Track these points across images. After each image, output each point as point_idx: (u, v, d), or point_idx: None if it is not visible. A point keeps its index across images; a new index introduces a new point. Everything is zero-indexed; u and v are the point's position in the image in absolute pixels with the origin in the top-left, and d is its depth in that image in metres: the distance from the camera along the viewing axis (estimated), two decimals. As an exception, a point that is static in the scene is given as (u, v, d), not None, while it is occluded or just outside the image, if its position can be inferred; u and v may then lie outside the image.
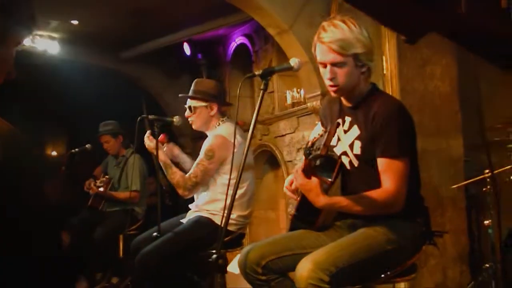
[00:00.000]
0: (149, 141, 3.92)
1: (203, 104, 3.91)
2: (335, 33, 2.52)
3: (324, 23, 2.58)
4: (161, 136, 3.97)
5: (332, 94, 2.68)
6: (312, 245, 2.67)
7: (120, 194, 5.76)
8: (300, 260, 2.44)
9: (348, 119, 2.68)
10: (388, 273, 2.57)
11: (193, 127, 4.00)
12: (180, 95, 4.15)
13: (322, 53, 2.57)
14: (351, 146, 2.63)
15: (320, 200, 2.48)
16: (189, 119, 3.97)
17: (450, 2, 0.79)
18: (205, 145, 3.84)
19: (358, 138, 2.61)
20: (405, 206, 2.51)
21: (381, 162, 2.51)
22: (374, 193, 2.50)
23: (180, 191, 3.82)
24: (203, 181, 3.82)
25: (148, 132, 3.97)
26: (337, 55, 2.53)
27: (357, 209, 2.50)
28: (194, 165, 3.82)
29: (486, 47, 0.92)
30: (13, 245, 1.21)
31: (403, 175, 2.50)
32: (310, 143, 2.52)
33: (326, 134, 2.39)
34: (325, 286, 2.32)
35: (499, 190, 4.13)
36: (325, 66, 2.59)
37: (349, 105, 2.69)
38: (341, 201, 2.52)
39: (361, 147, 2.58)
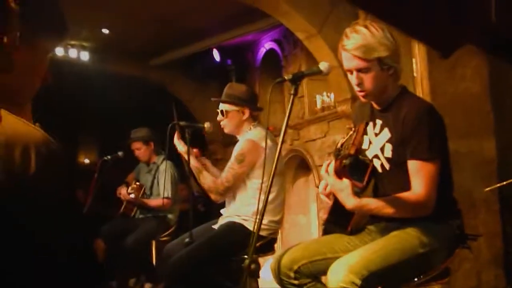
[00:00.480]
0: (181, 146, 3.95)
1: (236, 108, 3.93)
2: (357, 39, 2.52)
3: (347, 30, 2.58)
4: (195, 151, 3.99)
5: (361, 99, 2.67)
6: (344, 249, 2.67)
7: (152, 202, 5.80)
8: (333, 263, 2.44)
9: (379, 122, 2.67)
10: (421, 276, 2.55)
11: (225, 131, 4.02)
12: (212, 98, 4.17)
13: (346, 60, 2.58)
14: (382, 149, 2.63)
15: (351, 201, 2.47)
16: (221, 123, 3.99)
17: (481, 12, 0.79)
18: (236, 149, 3.87)
19: (389, 141, 2.60)
20: (437, 209, 2.49)
21: (411, 164, 2.50)
22: (404, 196, 2.49)
23: (212, 196, 3.85)
24: (234, 186, 3.84)
25: (176, 134, 3.98)
26: (360, 61, 2.53)
27: (387, 211, 2.49)
28: (226, 169, 3.84)
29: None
30: (41, 253, 1.23)
31: (433, 178, 2.48)
32: (339, 144, 2.51)
33: (355, 133, 2.38)
34: None
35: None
36: (351, 72, 2.59)
37: (379, 108, 2.69)
38: (371, 203, 2.51)
39: (392, 150, 2.58)
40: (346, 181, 2.47)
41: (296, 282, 2.62)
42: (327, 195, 2.73)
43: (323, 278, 2.62)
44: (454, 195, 2.72)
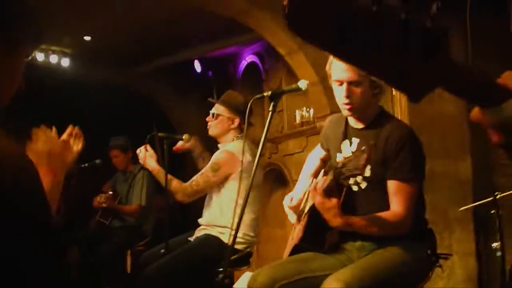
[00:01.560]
0: (151, 162, 3.95)
1: (228, 114, 3.94)
2: None
3: None
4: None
5: (346, 113, 2.66)
6: (320, 268, 2.66)
7: (125, 208, 5.78)
8: (324, 281, 2.43)
9: (355, 140, 2.68)
10: None
11: (210, 132, 4.00)
12: (209, 99, 4.17)
13: (340, 71, 2.56)
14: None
15: (337, 220, 2.44)
16: (208, 124, 3.99)
17: (450, 58, 0.81)
18: (213, 158, 3.87)
19: (366, 161, 2.62)
20: (412, 229, 2.52)
21: (392, 184, 2.52)
22: (384, 215, 2.51)
23: (178, 197, 3.85)
24: (203, 192, 3.86)
25: (144, 152, 3.98)
26: (354, 74, 2.53)
27: (370, 230, 2.51)
28: (199, 174, 3.84)
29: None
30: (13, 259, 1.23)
31: (412, 198, 2.51)
32: (340, 164, 2.48)
33: (363, 154, 2.33)
34: None
35: (506, 213, 4.12)
36: (341, 84, 2.58)
37: (358, 126, 2.70)
38: (357, 222, 2.50)
39: (371, 169, 2.59)
40: (334, 201, 2.43)
41: None
42: (293, 208, 2.75)
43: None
44: (428, 215, 2.76)
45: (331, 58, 2.60)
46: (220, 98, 4.04)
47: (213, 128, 3.98)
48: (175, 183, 3.83)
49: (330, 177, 2.43)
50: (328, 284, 2.40)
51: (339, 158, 2.73)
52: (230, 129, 3.96)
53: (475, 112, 0.97)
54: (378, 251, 2.60)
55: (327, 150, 2.96)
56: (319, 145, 3.07)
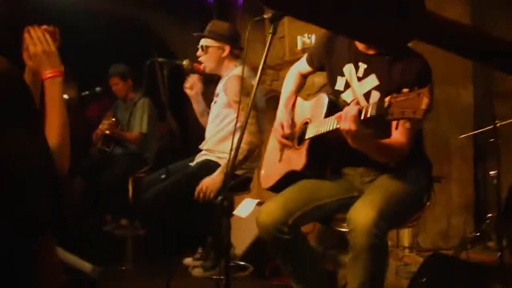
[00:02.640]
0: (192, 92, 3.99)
1: (216, 44, 3.90)
2: None
3: None
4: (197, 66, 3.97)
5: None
6: (327, 195, 2.69)
7: (127, 134, 5.78)
8: (354, 205, 2.44)
9: (363, 65, 2.62)
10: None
11: (206, 70, 3.96)
12: (194, 34, 4.10)
13: None
14: (367, 95, 2.60)
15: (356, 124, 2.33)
16: (200, 59, 3.95)
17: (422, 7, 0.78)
18: (233, 88, 3.78)
19: (376, 88, 2.57)
20: (410, 155, 2.52)
21: None
22: (395, 144, 2.50)
23: (254, 142, 3.72)
24: (258, 120, 3.78)
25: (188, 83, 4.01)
26: None
27: (375, 149, 2.48)
28: (240, 112, 3.66)
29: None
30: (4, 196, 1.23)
31: (415, 130, 2.50)
32: (387, 102, 2.37)
33: (423, 97, 2.17)
34: (382, 235, 2.36)
35: (505, 141, 4.13)
36: None
37: (368, 52, 2.62)
38: (374, 142, 2.47)
39: (380, 98, 2.55)
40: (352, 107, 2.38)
41: (288, 237, 2.57)
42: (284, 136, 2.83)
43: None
44: (428, 142, 2.78)
45: None
46: (205, 30, 3.97)
47: (207, 62, 3.93)
48: (243, 142, 3.58)
49: (370, 107, 2.31)
50: (360, 210, 2.39)
51: (340, 82, 2.69)
52: (223, 58, 3.92)
53: None
54: (386, 176, 2.61)
55: (317, 68, 2.90)
56: (303, 59, 3.00)
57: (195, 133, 4.24)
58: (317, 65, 2.88)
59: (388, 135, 2.51)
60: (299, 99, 2.97)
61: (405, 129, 2.46)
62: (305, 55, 3.01)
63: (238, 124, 3.25)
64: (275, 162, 2.97)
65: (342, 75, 2.69)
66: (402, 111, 2.09)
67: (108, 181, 5.55)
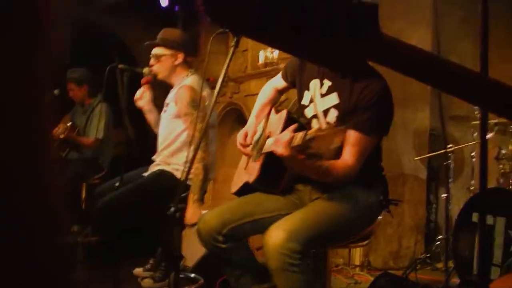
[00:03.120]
0: (143, 101, 3.96)
1: (168, 52, 3.85)
2: None
3: None
4: (145, 79, 3.94)
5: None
6: (272, 209, 2.68)
7: (83, 139, 5.72)
8: (268, 227, 2.43)
9: (327, 83, 2.63)
10: (350, 239, 2.64)
11: (158, 77, 3.92)
12: (146, 43, 4.06)
13: None
14: (326, 112, 2.62)
15: (299, 166, 2.40)
16: (153, 68, 3.91)
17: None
18: (183, 99, 3.73)
19: (336, 107, 2.58)
20: (364, 176, 2.53)
21: (351, 134, 2.47)
22: (338, 164, 2.49)
23: (206, 157, 3.61)
24: (206, 130, 3.67)
25: (139, 92, 3.96)
26: None
27: (314, 173, 2.49)
28: (188, 125, 3.69)
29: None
30: None
31: (366, 152, 2.50)
32: (309, 136, 2.37)
33: (337, 137, 2.22)
34: (296, 256, 2.34)
35: (458, 165, 4.22)
36: None
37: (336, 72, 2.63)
38: (314, 166, 2.46)
39: (337, 117, 2.57)
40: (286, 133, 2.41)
41: (223, 246, 2.60)
42: (245, 146, 2.80)
43: (251, 239, 2.65)
44: (383, 162, 2.78)
45: None
46: (157, 38, 3.94)
47: (159, 70, 3.89)
48: (197, 165, 3.57)
49: (298, 136, 2.33)
50: (271, 232, 2.40)
51: (306, 97, 2.70)
52: (175, 65, 3.87)
53: None
54: (326, 196, 2.61)
55: (290, 83, 2.92)
56: (279, 75, 3.01)
57: (153, 142, 4.21)
58: (290, 79, 2.89)
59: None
60: (272, 111, 2.97)
61: (353, 150, 2.48)
62: (281, 71, 3.02)
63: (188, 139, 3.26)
64: (242, 169, 3.01)
65: (308, 89, 2.71)
66: (318, 146, 2.11)
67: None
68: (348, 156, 2.48)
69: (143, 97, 4.03)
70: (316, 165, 2.45)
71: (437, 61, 0.91)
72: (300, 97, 2.77)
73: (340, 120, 2.55)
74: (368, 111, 2.48)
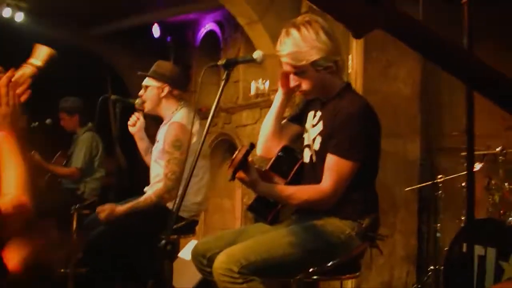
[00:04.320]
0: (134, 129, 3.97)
1: (156, 84, 3.85)
2: (288, 45, 2.52)
3: (282, 31, 2.58)
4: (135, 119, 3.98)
5: (303, 97, 2.72)
6: (250, 237, 2.67)
7: (59, 169, 5.73)
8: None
9: (319, 113, 2.68)
10: (310, 270, 2.52)
11: (146, 110, 3.93)
12: (139, 73, 4.07)
13: (282, 64, 2.60)
14: (314, 140, 2.64)
15: (258, 188, 2.48)
16: (142, 98, 3.92)
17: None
18: (168, 136, 3.74)
19: (320, 133, 2.61)
20: (349, 206, 2.53)
21: (329, 158, 2.50)
22: (310, 189, 2.52)
23: (167, 198, 3.69)
24: (181, 175, 3.63)
25: (132, 118, 3.97)
26: (292, 67, 2.55)
27: (291, 200, 2.52)
28: (166, 162, 3.71)
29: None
30: None
31: (344, 176, 2.48)
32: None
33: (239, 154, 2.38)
34: (235, 275, 2.37)
35: (449, 195, 4.24)
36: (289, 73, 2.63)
37: (323, 99, 2.68)
38: (277, 189, 2.51)
39: (320, 143, 2.60)
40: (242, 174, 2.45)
41: (208, 269, 2.60)
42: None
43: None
44: (374, 194, 2.74)
45: (279, 38, 2.59)
46: (150, 70, 3.97)
47: (146, 103, 3.89)
48: (154, 192, 3.72)
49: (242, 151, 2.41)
50: (218, 257, 2.45)
51: (308, 125, 2.75)
52: (161, 98, 3.86)
53: None
54: (296, 225, 2.61)
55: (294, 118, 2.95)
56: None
57: (144, 172, 4.20)
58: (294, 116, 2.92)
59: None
60: None
61: (328, 174, 2.49)
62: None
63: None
64: None
65: (306, 121, 2.77)
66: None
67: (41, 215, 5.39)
68: (325, 180, 2.49)
69: (136, 124, 4.03)
70: (277, 189, 2.49)
71: (445, 41, 0.94)
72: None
73: (322, 145, 2.58)
74: (341, 133, 2.50)
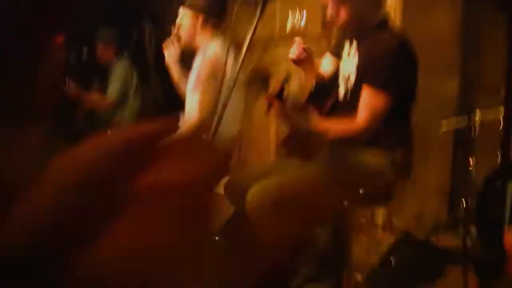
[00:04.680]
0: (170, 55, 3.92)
1: (190, 14, 3.81)
2: None
3: None
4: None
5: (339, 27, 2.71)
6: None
7: (96, 97, 5.64)
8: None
9: (355, 45, 2.71)
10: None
11: (181, 42, 3.90)
12: (174, 2, 4.01)
13: None
14: (349, 73, 2.68)
15: (294, 117, 2.53)
16: (178, 27, 3.88)
17: None
18: (203, 67, 3.74)
19: (356, 66, 2.64)
20: (383, 137, 2.55)
21: (365, 92, 2.52)
22: (344, 123, 2.54)
23: (200, 130, 3.65)
24: (215, 106, 3.47)
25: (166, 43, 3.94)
26: None
27: (325, 133, 2.56)
28: (199, 94, 3.72)
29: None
30: None
31: (380, 111, 2.51)
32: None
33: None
34: (268, 209, 2.42)
35: (486, 130, 4.20)
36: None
37: (360, 33, 2.68)
38: (312, 122, 2.57)
39: (356, 76, 2.61)
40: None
41: (242, 203, 2.63)
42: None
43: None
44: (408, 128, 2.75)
45: None
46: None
47: (182, 33, 3.85)
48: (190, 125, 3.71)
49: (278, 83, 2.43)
50: (252, 191, 2.49)
51: (344, 55, 2.74)
52: (196, 28, 3.81)
53: None
54: (326, 160, 2.66)
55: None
56: (327, 55, 3.05)
57: (178, 98, 4.16)
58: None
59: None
60: None
61: (363, 106, 2.49)
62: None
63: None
64: None
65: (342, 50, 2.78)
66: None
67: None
68: (359, 115, 2.53)
69: (171, 49, 4.01)
70: (312, 122, 2.53)
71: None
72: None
73: (358, 79, 2.58)
74: (376, 66, 2.52)
